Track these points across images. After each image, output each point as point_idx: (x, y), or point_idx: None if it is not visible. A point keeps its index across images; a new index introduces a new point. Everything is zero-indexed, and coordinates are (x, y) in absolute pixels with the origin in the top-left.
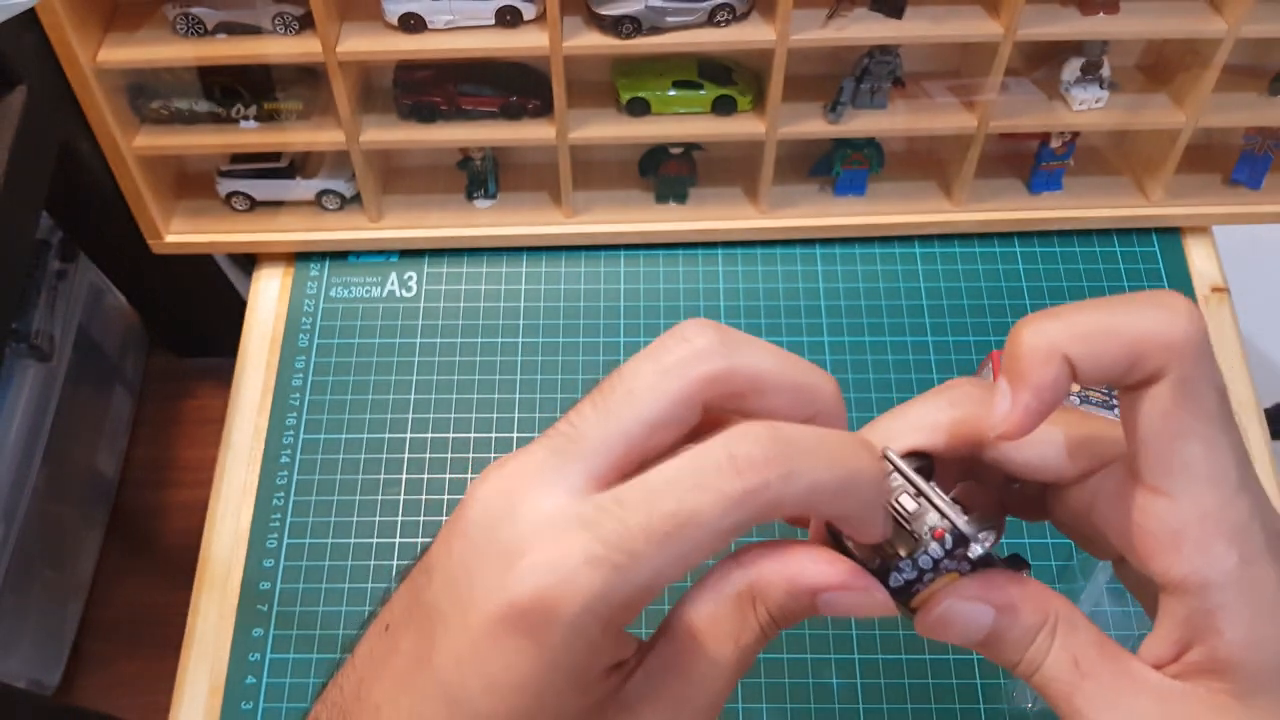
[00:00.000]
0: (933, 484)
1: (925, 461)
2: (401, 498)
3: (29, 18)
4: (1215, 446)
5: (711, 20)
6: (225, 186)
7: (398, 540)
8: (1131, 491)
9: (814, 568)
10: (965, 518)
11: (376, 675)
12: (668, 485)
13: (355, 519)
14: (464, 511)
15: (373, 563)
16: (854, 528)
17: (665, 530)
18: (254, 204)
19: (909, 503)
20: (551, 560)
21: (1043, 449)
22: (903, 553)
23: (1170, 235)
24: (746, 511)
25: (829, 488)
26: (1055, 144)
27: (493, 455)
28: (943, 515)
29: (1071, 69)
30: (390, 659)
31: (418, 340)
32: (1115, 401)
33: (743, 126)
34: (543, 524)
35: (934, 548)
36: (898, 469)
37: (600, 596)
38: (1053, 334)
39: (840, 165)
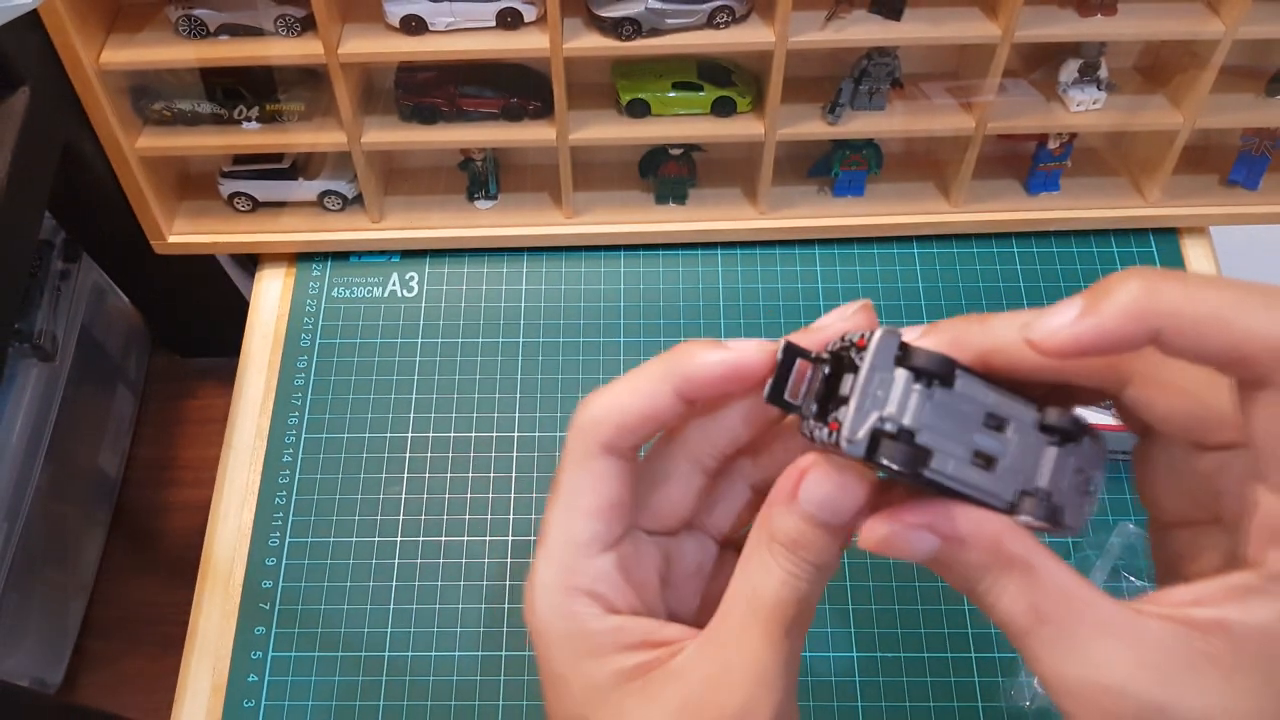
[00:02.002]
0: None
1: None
2: (403, 497)
3: (32, 19)
4: None
5: (711, 22)
6: (227, 187)
7: (399, 539)
8: (1249, 478)
9: (785, 479)
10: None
11: None
12: None
13: (357, 518)
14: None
15: (374, 562)
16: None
17: (554, 494)
18: (256, 204)
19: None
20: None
21: (1193, 407)
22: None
23: (1168, 236)
24: (577, 444)
25: (611, 396)
26: (1053, 145)
27: (493, 455)
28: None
29: (1069, 70)
30: None
31: (419, 340)
32: None
33: (742, 128)
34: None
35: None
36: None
37: (544, 570)
38: (1155, 300)
39: (839, 166)
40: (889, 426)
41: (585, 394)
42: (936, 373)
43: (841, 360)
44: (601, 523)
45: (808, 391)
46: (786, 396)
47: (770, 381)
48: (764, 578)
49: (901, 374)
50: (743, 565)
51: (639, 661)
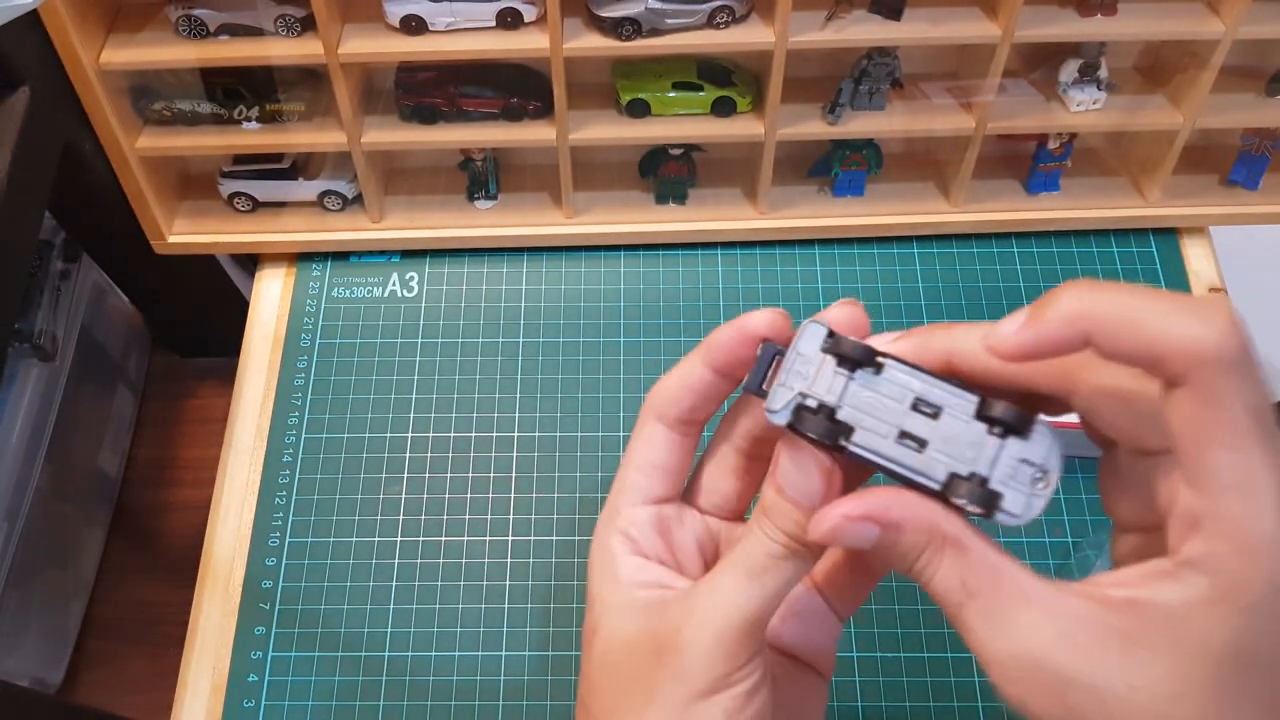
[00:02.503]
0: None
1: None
2: (403, 497)
3: (32, 19)
4: (1242, 460)
5: (711, 22)
6: (227, 187)
7: (399, 539)
8: (1172, 475)
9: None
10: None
11: None
12: None
13: (357, 518)
14: None
15: (374, 561)
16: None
17: (625, 459)
18: (256, 204)
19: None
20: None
21: (1130, 413)
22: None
23: (1167, 236)
24: (644, 417)
25: (665, 380)
26: (1053, 145)
27: (493, 455)
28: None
29: (1069, 70)
30: None
31: (419, 340)
32: None
33: (742, 128)
34: None
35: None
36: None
37: (606, 515)
38: (1086, 306)
39: (839, 166)
40: (810, 402)
41: (586, 394)
42: (857, 358)
43: None
44: (644, 477)
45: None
46: (764, 386)
47: (749, 373)
48: (746, 535)
49: (828, 359)
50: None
51: (650, 596)
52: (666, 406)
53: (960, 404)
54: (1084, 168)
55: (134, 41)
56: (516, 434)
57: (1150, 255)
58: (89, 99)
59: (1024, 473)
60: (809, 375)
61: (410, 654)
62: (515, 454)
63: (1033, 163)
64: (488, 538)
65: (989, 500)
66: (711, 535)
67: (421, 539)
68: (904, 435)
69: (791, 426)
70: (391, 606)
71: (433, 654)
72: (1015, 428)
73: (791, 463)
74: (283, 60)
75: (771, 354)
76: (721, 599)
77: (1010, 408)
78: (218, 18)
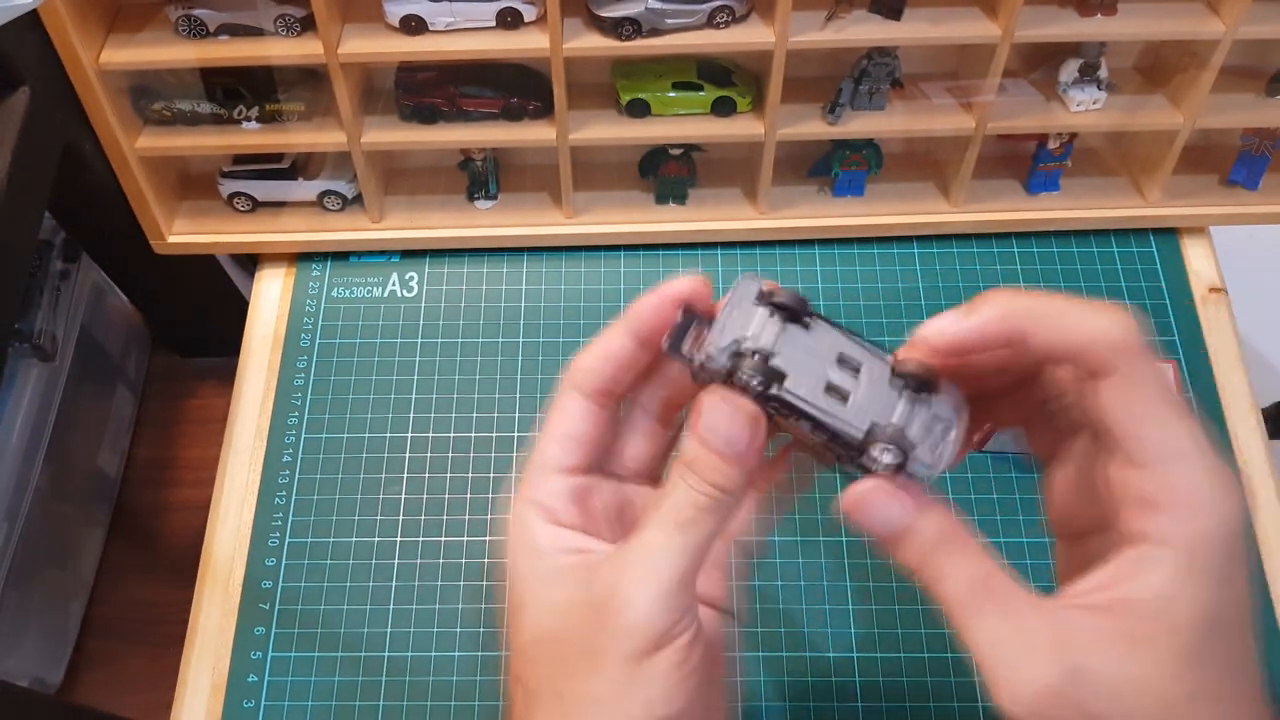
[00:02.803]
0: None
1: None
2: (403, 497)
3: (32, 19)
4: (1178, 429)
5: (711, 22)
6: (227, 187)
7: (399, 539)
8: (1110, 466)
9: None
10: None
11: None
12: None
13: (357, 518)
14: None
15: (374, 562)
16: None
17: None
18: (256, 204)
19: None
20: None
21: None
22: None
23: (1168, 236)
24: (564, 387)
25: (589, 349)
26: (1053, 145)
27: (493, 455)
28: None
29: (1069, 70)
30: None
31: (419, 340)
32: None
33: (742, 128)
34: None
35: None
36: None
37: (523, 482)
38: (1018, 305)
39: (839, 166)
40: (746, 347)
41: None
42: (792, 307)
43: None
44: (560, 448)
45: (699, 346)
46: (684, 350)
47: (668, 335)
48: (670, 490)
49: (761, 310)
50: (663, 491)
51: (574, 562)
52: (586, 377)
53: (878, 364)
54: (1084, 168)
55: (134, 41)
56: (516, 434)
57: (1150, 255)
58: (89, 99)
59: (935, 427)
60: (745, 326)
61: (410, 654)
62: (515, 454)
63: (1033, 163)
64: (487, 538)
65: (906, 449)
66: (629, 500)
67: (421, 539)
68: (830, 387)
69: (729, 374)
70: (391, 606)
71: (432, 654)
72: (926, 385)
73: (716, 413)
74: (282, 60)
75: (691, 318)
76: (655, 554)
77: (922, 365)
78: (217, 18)
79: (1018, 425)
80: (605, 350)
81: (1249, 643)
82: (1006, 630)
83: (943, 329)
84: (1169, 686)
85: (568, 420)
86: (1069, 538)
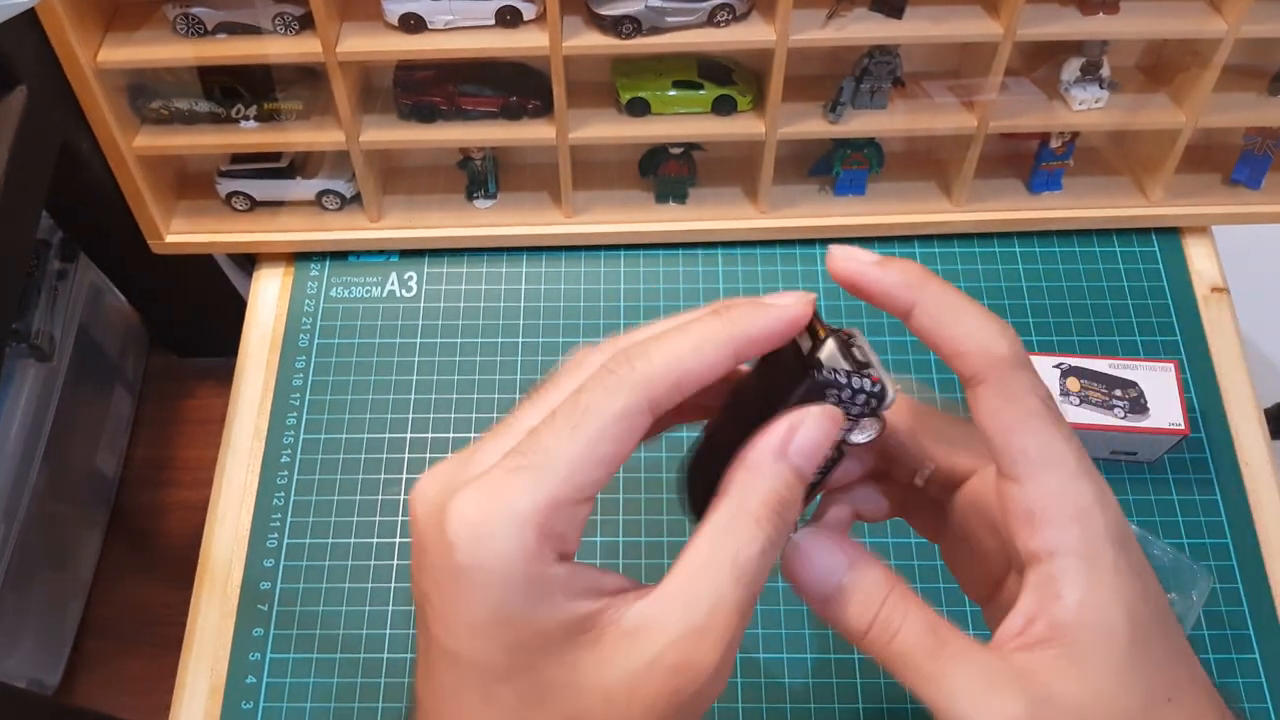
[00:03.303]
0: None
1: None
2: (401, 498)
3: (29, 18)
4: (1046, 438)
5: (711, 20)
6: (225, 186)
7: (397, 540)
8: (998, 485)
9: (774, 438)
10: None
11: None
12: (563, 398)
13: (355, 519)
14: (450, 553)
15: (373, 563)
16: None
17: (569, 424)
18: (254, 204)
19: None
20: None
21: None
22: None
23: (1170, 235)
24: (625, 393)
25: (674, 354)
26: (1055, 144)
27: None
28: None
29: (1071, 69)
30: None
31: (418, 340)
32: (1114, 403)
33: (743, 126)
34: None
35: (865, 383)
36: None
37: (525, 495)
38: (924, 283)
39: (840, 165)
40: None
41: None
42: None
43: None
44: (607, 474)
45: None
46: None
47: (832, 389)
48: (747, 543)
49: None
50: (718, 530)
51: (588, 611)
52: (670, 399)
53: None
54: (1086, 167)
55: (131, 40)
56: None
57: (1153, 255)
58: (86, 98)
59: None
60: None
61: (409, 656)
62: None
63: (1035, 162)
64: None
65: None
66: None
67: None
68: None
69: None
70: (390, 608)
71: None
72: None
73: (824, 434)
74: (281, 59)
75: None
76: (734, 638)
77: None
78: (216, 16)
79: (900, 515)
80: (707, 374)
81: (1181, 638)
82: (969, 676)
83: (851, 257)
84: (1124, 701)
85: (629, 442)
86: (986, 596)
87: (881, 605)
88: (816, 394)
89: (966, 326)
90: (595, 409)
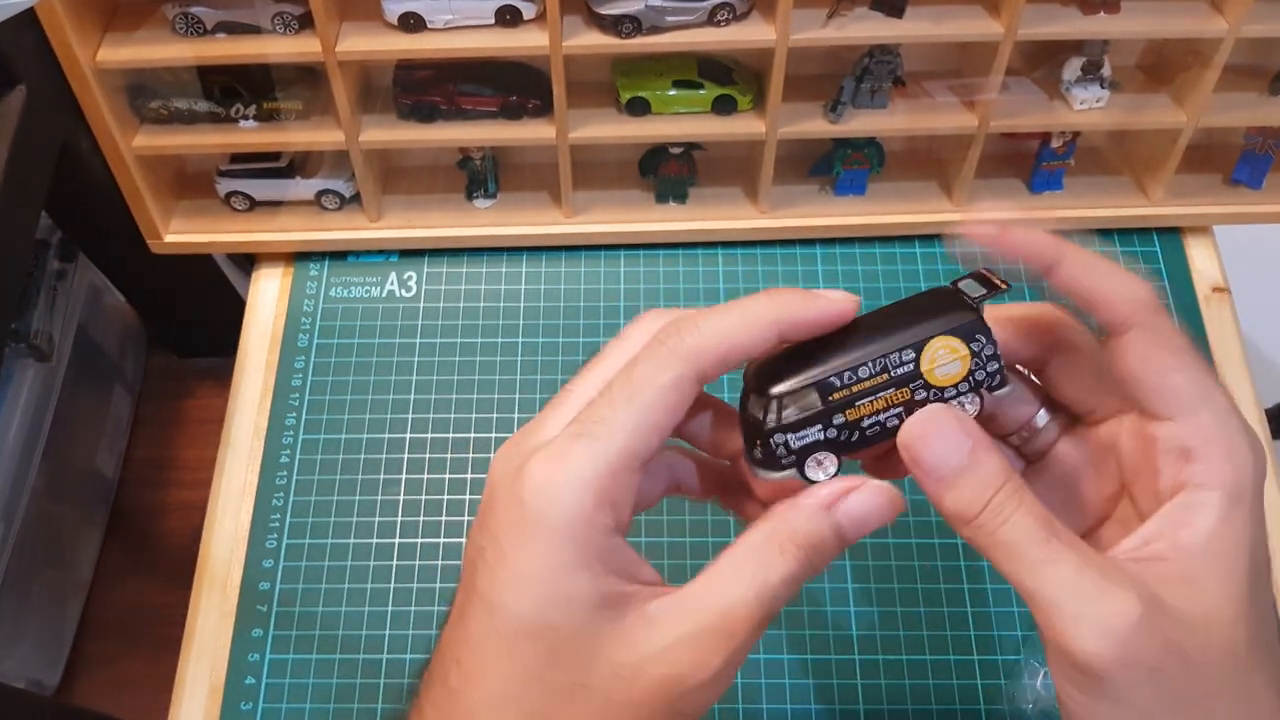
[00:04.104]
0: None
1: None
2: (401, 498)
3: (28, 17)
4: (1198, 377)
5: (711, 20)
6: (225, 186)
7: (397, 540)
8: (1142, 427)
9: (825, 490)
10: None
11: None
12: (617, 372)
13: (355, 519)
14: (520, 508)
15: (372, 563)
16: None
17: (624, 394)
18: (253, 204)
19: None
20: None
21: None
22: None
23: (1171, 235)
24: (675, 364)
25: (722, 328)
26: (1056, 144)
27: (492, 455)
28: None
29: (1072, 68)
30: (458, 628)
31: (417, 340)
32: None
33: (743, 126)
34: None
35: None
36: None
37: (586, 461)
38: (1057, 241)
39: (840, 165)
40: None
41: None
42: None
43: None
44: (659, 442)
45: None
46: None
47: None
48: (774, 569)
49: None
50: (748, 550)
51: (620, 590)
52: (717, 369)
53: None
54: (1087, 166)
55: (131, 40)
56: None
57: (1154, 254)
58: (85, 98)
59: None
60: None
61: (409, 656)
62: None
63: (1036, 161)
64: None
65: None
66: None
67: (420, 540)
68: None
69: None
70: (390, 608)
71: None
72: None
73: (882, 507)
74: (280, 58)
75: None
76: (742, 651)
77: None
78: (215, 15)
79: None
80: (751, 346)
81: (1271, 583)
82: (1080, 569)
83: (988, 228)
84: (1234, 632)
85: (679, 410)
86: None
87: (996, 492)
88: (969, 332)
89: (1111, 277)
90: (648, 379)
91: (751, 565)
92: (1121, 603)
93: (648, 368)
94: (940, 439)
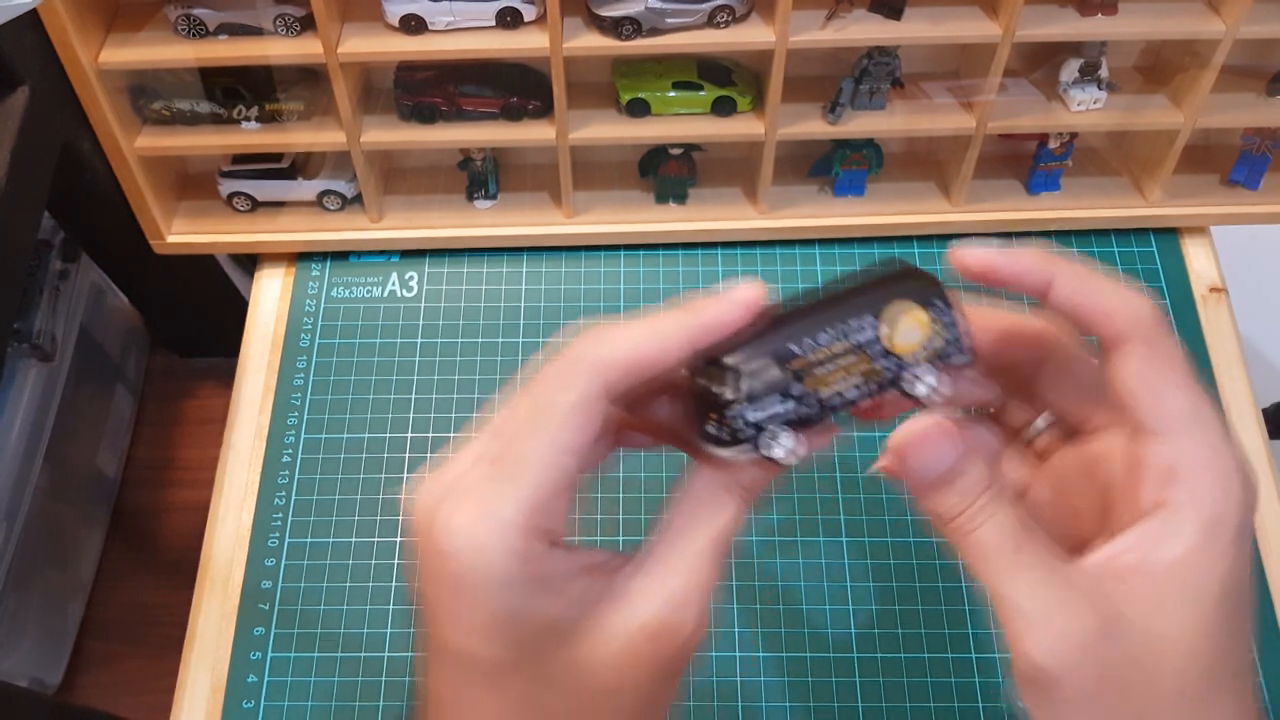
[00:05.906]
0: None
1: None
2: (402, 497)
3: (31, 19)
4: (1194, 397)
5: (711, 21)
6: (227, 187)
7: (398, 540)
8: (1132, 443)
9: None
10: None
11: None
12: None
13: (356, 518)
14: (445, 562)
15: (374, 562)
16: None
17: (529, 421)
18: (255, 204)
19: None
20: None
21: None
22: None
23: (1168, 235)
24: (578, 382)
25: (627, 338)
26: (1054, 144)
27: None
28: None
29: (1070, 70)
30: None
31: (419, 340)
32: None
33: (742, 127)
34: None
35: (958, 336)
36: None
37: (507, 502)
38: (1053, 258)
39: (839, 166)
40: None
41: None
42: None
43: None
44: (577, 461)
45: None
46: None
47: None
48: (724, 516)
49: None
50: (698, 504)
51: (583, 588)
52: (626, 381)
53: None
54: (1085, 167)
55: (133, 41)
56: None
57: (1151, 255)
58: (88, 98)
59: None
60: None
61: (410, 654)
62: None
63: (1034, 162)
64: None
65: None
66: None
67: None
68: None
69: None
70: (391, 607)
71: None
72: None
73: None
74: (282, 59)
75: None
76: (710, 595)
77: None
78: (217, 17)
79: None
80: (662, 358)
81: (1251, 619)
82: (1045, 578)
83: (980, 254)
84: (1185, 659)
85: (591, 428)
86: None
87: (977, 498)
88: (926, 296)
89: (1106, 293)
90: (551, 404)
91: (705, 514)
92: (1080, 616)
93: (550, 390)
94: (931, 445)
